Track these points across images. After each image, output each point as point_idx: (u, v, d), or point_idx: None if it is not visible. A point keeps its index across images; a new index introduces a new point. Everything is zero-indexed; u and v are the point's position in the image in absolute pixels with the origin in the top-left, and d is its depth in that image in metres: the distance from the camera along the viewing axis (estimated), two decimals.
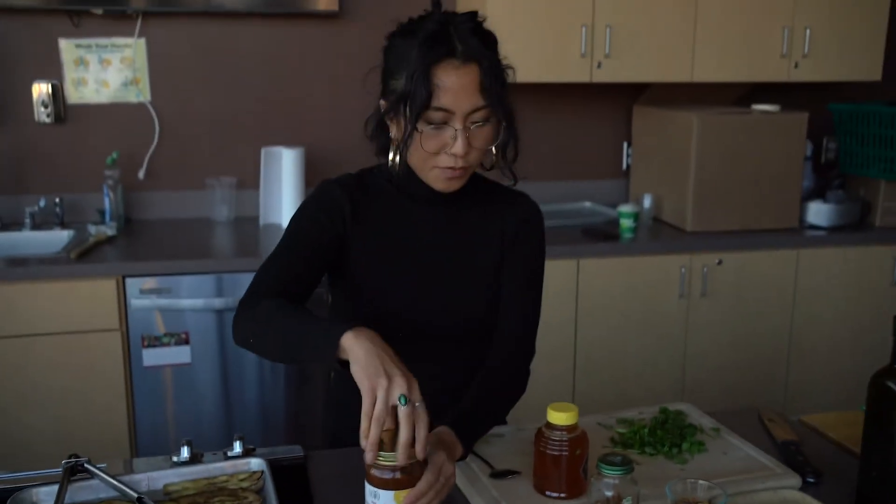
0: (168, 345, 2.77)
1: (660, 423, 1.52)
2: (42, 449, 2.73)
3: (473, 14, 1.41)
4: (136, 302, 2.74)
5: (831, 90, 3.83)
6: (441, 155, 1.40)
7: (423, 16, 1.41)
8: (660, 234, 3.34)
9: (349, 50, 3.34)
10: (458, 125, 1.37)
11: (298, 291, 1.45)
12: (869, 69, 3.54)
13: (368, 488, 1.19)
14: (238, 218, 3.37)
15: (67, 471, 1.24)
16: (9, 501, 1.20)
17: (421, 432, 1.15)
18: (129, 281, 2.74)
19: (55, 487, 1.22)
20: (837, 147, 3.72)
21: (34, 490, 1.24)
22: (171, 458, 1.36)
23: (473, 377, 1.53)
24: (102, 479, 1.23)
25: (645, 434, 1.47)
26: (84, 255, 2.78)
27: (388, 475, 1.17)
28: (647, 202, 3.48)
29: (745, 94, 3.75)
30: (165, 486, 1.28)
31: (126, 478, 1.25)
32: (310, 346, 1.26)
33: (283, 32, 3.38)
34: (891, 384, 1.21)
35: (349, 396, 1.59)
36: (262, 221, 3.29)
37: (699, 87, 3.55)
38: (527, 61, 3.12)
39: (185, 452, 1.36)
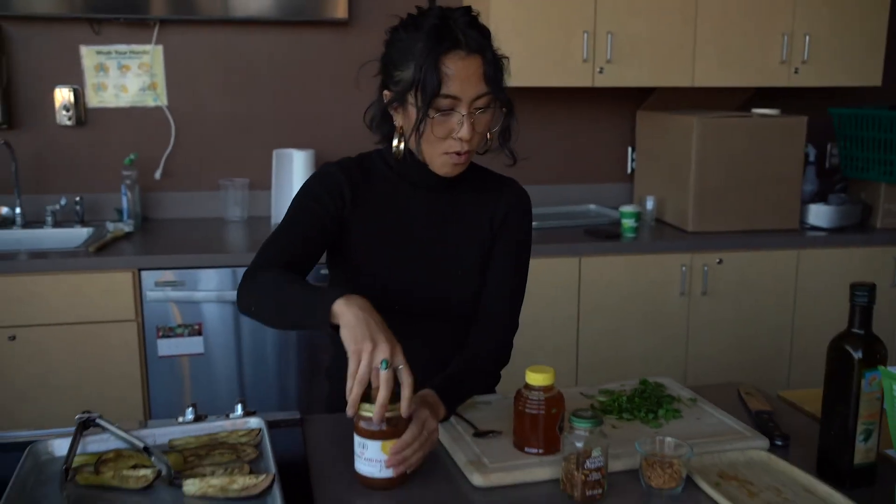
0: (182, 335, 2.88)
1: (639, 392, 1.60)
2: None
3: (468, 9, 1.52)
4: (150, 294, 2.85)
5: (837, 95, 3.89)
6: (448, 140, 1.50)
7: (422, 11, 1.52)
8: (661, 234, 3.41)
9: (358, 56, 3.41)
10: (463, 111, 1.47)
11: (299, 266, 1.55)
12: (869, 74, 3.60)
13: (357, 439, 1.28)
14: (251, 218, 3.48)
15: (80, 425, 1.34)
16: (26, 451, 1.31)
17: (404, 392, 1.24)
18: (144, 274, 2.85)
19: (69, 440, 1.32)
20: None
21: (49, 442, 1.34)
22: (177, 419, 1.46)
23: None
24: (112, 433, 1.33)
25: (623, 401, 1.55)
26: (102, 249, 2.90)
27: (375, 427, 1.26)
28: (649, 203, 3.56)
29: (749, 98, 3.82)
30: (170, 440, 1.38)
31: (134, 432, 1.35)
32: (304, 311, 1.36)
33: (295, 39, 3.50)
34: (848, 347, 1.28)
35: (343, 365, 1.70)
36: (273, 221, 3.39)
37: (702, 92, 3.63)
38: (529, 66, 3.24)
39: (189, 414, 1.46)
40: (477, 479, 1.30)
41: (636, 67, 3.38)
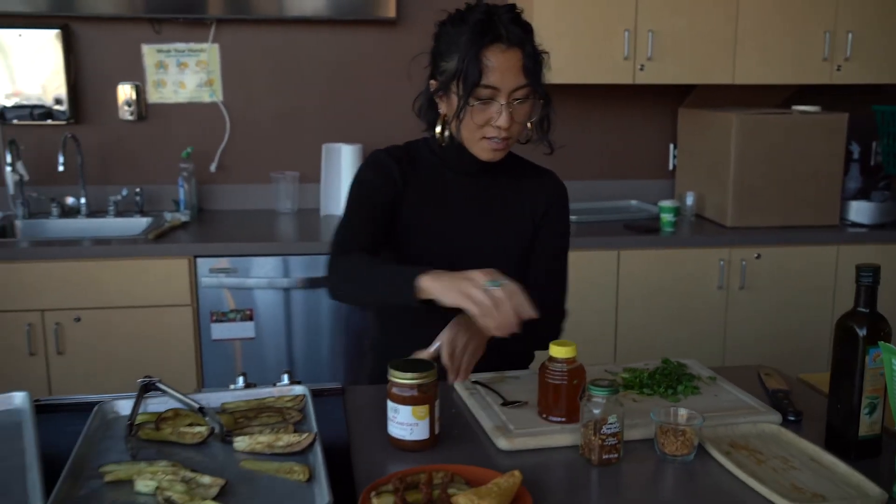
0: (234, 320, 3.03)
1: (660, 370, 1.68)
2: None
3: (512, 6, 1.64)
4: (205, 280, 3.00)
5: (882, 92, 3.89)
6: (487, 127, 1.62)
7: (470, 7, 1.64)
8: (700, 228, 3.46)
9: (405, 53, 3.53)
10: (502, 101, 1.59)
11: (372, 247, 1.68)
12: None
13: (390, 405, 1.39)
14: (300, 210, 3.63)
15: (142, 388, 1.47)
16: (94, 410, 1.44)
17: (517, 298, 1.36)
18: (199, 261, 3.01)
19: (132, 401, 1.45)
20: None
21: (115, 402, 1.48)
22: (228, 387, 1.59)
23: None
24: (171, 395, 1.46)
25: (645, 377, 1.64)
26: (160, 238, 3.07)
27: (406, 393, 1.37)
28: (689, 199, 3.61)
29: (791, 96, 3.84)
30: (223, 404, 1.51)
31: (190, 396, 1.48)
32: (392, 290, 1.49)
33: (345, 37, 3.63)
34: (853, 325, 1.36)
35: (387, 339, 1.82)
36: (322, 213, 3.53)
37: (744, 89, 3.66)
38: (571, 63, 3.32)
39: (240, 382, 1.59)
40: (502, 443, 1.40)
41: (677, 65, 3.44)
